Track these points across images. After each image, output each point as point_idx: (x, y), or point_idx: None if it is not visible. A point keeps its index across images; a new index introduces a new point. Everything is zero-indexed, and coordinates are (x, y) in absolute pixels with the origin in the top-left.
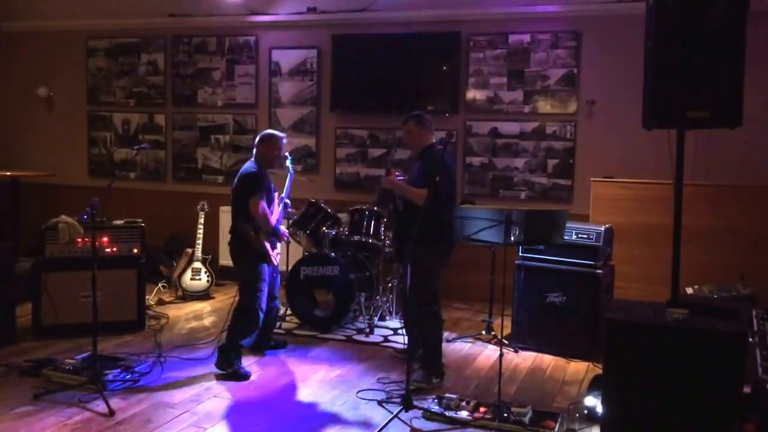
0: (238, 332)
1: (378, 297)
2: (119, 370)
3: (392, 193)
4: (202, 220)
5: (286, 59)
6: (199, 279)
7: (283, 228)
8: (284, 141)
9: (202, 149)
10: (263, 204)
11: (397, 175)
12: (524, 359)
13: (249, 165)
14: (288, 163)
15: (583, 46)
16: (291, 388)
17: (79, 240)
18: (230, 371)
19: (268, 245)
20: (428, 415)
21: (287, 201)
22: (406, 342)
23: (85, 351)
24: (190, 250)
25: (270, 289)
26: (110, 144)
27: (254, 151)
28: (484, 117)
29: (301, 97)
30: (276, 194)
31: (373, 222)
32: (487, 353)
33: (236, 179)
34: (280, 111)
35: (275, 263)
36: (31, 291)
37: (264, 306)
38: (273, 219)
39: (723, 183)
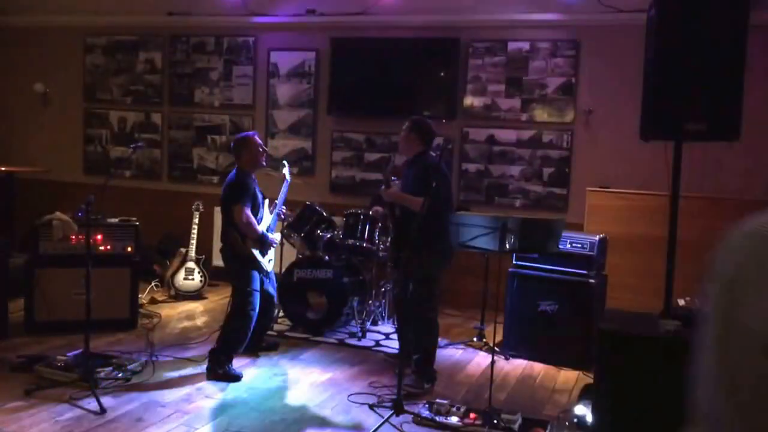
0: (229, 339)
1: (371, 301)
2: (111, 368)
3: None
4: (196, 220)
5: (285, 61)
6: (192, 279)
7: (272, 235)
8: (257, 137)
9: (198, 149)
10: (246, 211)
11: (393, 180)
12: (515, 367)
13: (233, 174)
14: (285, 171)
15: (582, 56)
16: (282, 390)
17: (73, 237)
18: (221, 372)
19: (257, 252)
20: (419, 419)
21: (283, 209)
22: (399, 346)
23: (77, 348)
24: (183, 250)
25: (268, 296)
26: (106, 142)
27: (236, 158)
28: (481, 124)
29: (299, 100)
30: (266, 201)
31: (367, 226)
32: (479, 360)
33: (222, 188)
34: (277, 113)
35: (266, 270)
36: (24, 287)
37: (256, 312)
38: (262, 226)
39: (718, 196)
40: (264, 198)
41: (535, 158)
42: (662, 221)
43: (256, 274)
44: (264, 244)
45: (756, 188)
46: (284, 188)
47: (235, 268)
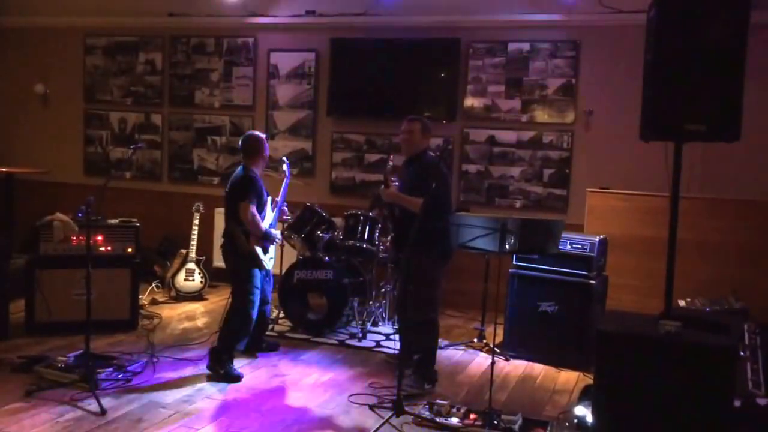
0: (230, 335)
1: (371, 302)
2: (112, 369)
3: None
4: (196, 221)
5: (285, 62)
6: (193, 280)
7: (275, 231)
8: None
9: (198, 150)
10: (253, 209)
11: (393, 181)
12: (515, 367)
13: (241, 170)
14: (285, 167)
15: (582, 57)
16: (282, 390)
17: (74, 238)
18: (222, 373)
19: (259, 249)
20: (419, 420)
21: (285, 207)
22: (400, 346)
23: (77, 349)
24: (184, 251)
25: (262, 293)
26: (106, 143)
27: (245, 156)
28: (482, 125)
29: (299, 101)
30: (269, 198)
31: (367, 227)
32: (479, 361)
33: (229, 183)
34: (277, 114)
35: (267, 267)
36: (25, 287)
37: (256, 309)
38: (265, 223)
39: (718, 197)
40: (267, 195)
41: (535, 159)
42: (662, 222)
43: (256, 272)
44: (267, 240)
45: (756, 189)
46: (285, 185)
47: (236, 265)
